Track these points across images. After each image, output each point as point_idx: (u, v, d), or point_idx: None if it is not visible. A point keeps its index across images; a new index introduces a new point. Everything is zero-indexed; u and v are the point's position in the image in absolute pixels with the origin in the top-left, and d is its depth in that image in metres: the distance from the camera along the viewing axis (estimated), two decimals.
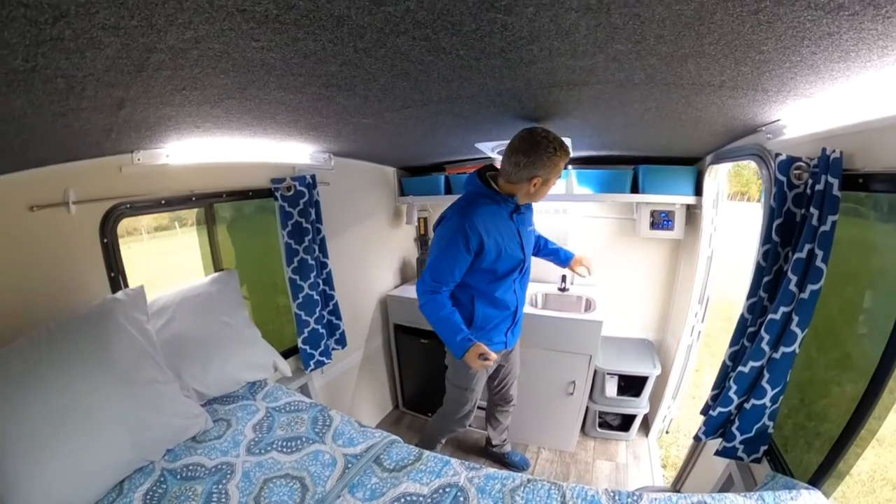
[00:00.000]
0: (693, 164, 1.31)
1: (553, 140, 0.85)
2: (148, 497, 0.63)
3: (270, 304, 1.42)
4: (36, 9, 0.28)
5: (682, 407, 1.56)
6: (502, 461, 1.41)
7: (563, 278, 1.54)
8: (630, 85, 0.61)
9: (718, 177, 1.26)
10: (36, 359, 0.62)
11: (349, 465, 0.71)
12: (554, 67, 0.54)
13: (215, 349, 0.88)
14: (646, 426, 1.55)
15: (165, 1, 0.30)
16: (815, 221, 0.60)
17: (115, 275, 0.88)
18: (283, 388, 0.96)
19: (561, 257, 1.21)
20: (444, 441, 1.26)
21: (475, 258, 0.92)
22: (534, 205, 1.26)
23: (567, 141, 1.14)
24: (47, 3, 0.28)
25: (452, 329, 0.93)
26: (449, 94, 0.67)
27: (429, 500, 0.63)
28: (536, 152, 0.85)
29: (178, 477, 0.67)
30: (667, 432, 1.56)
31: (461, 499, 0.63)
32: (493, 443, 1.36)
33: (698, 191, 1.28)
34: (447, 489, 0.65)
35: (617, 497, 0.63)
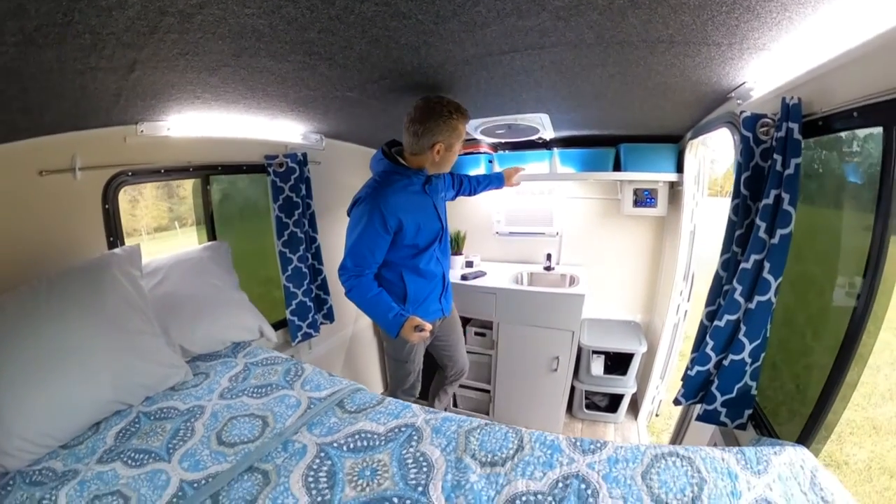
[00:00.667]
0: (675, 143, 1.40)
1: (448, 104, 0.90)
2: (120, 434, 0.70)
3: (265, 297, 1.51)
4: None
5: (671, 388, 1.61)
6: None
7: (549, 257, 1.63)
8: (584, 46, 0.68)
9: (699, 154, 1.35)
10: (34, 303, 0.70)
11: (311, 406, 0.78)
12: (507, 30, 0.62)
13: (203, 309, 0.98)
14: (634, 409, 1.60)
15: None
16: (779, 167, 0.63)
17: (114, 239, 0.99)
18: (264, 347, 1.05)
19: (496, 183, 1.33)
20: None
21: (395, 236, 0.96)
22: (515, 188, 1.34)
23: (543, 118, 1.24)
24: None
25: (383, 308, 0.96)
26: (419, 63, 0.77)
27: (383, 438, 0.68)
28: (432, 118, 0.90)
29: (151, 418, 0.74)
30: (656, 415, 1.60)
31: (415, 437, 0.67)
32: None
33: (680, 168, 1.37)
34: (403, 428, 0.69)
35: (579, 444, 0.64)
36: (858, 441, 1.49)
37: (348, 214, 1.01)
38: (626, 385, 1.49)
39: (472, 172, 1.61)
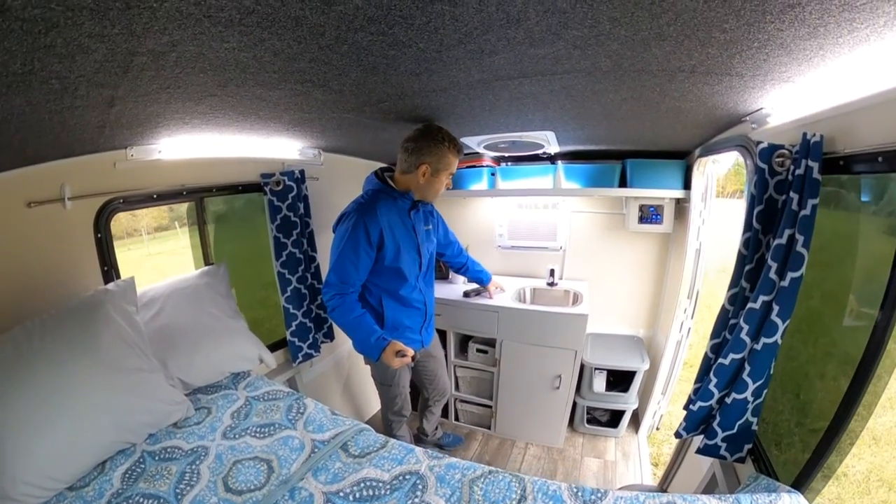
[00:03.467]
0: (682, 159, 1.33)
1: (445, 132, 0.92)
2: (126, 475, 0.69)
3: (259, 302, 1.48)
4: (31, 22, 0.34)
5: (673, 404, 1.58)
6: (438, 446, 1.46)
7: (552, 272, 1.58)
8: (598, 73, 0.63)
9: (707, 170, 1.28)
10: (28, 346, 0.68)
11: (316, 450, 0.76)
12: (518, 57, 0.57)
13: (201, 340, 0.94)
14: (636, 423, 1.57)
15: (141, 12, 0.36)
16: (794, 206, 0.60)
17: (109, 269, 0.95)
18: (264, 379, 1.02)
19: (483, 277, 1.39)
20: (399, 433, 1.28)
21: (377, 254, 0.95)
22: (521, 201, 1.28)
23: (549, 134, 1.17)
24: (40, 16, 0.33)
25: (366, 331, 0.94)
26: (421, 88, 0.71)
27: (388, 487, 0.66)
28: (425, 139, 0.92)
29: (156, 458, 0.72)
30: (657, 429, 1.58)
31: (420, 486, 0.65)
32: (428, 433, 1.41)
33: (687, 185, 1.31)
34: (407, 476, 0.68)
35: (580, 493, 0.63)
36: (857, 452, 1.46)
37: (333, 231, 1.00)
38: (627, 401, 1.46)
39: (474, 186, 1.55)
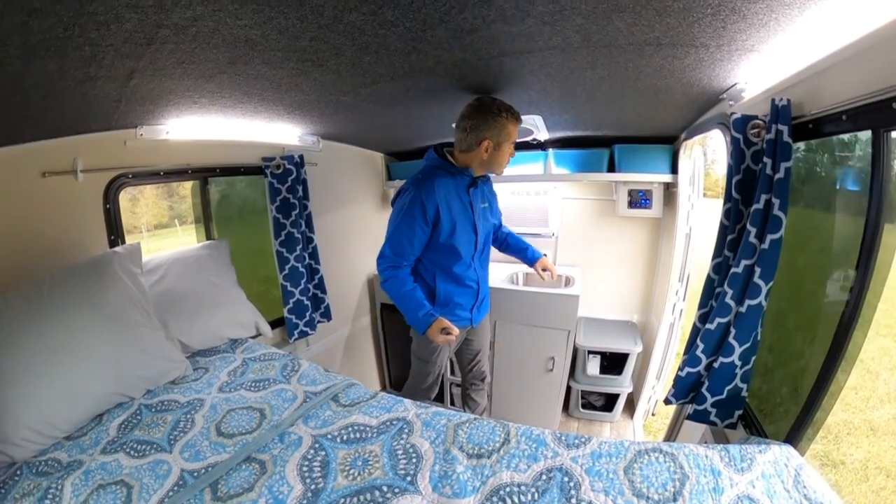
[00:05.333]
0: (670, 144, 1.41)
1: (499, 103, 0.93)
2: (123, 425, 0.73)
3: (263, 295, 1.54)
4: None
5: (668, 388, 1.62)
6: None
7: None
8: (571, 49, 0.68)
9: (693, 154, 1.36)
10: (37, 298, 0.74)
11: (307, 400, 0.81)
12: (494, 35, 0.64)
13: (202, 305, 1.01)
14: (631, 408, 1.62)
15: None
16: (769, 170, 0.63)
17: (115, 238, 1.03)
18: (261, 344, 1.08)
19: (528, 256, 1.28)
20: None
21: (432, 230, 0.98)
22: (513, 188, 1.31)
23: (537, 119, 1.24)
24: None
25: (415, 305, 0.98)
26: (410, 67, 0.80)
27: (374, 430, 0.70)
28: (481, 114, 0.93)
29: (153, 410, 0.77)
30: (653, 414, 1.62)
31: (406, 430, 0.70)
32: None
33: (675, 169, 1.38)
34: (394, 422, 0.72)
35: (564, 438, 0.65)
36: (855, 441, 1.50)
37: (392, 205, 1.03)
38: (621, 385, 1.51)
39: None
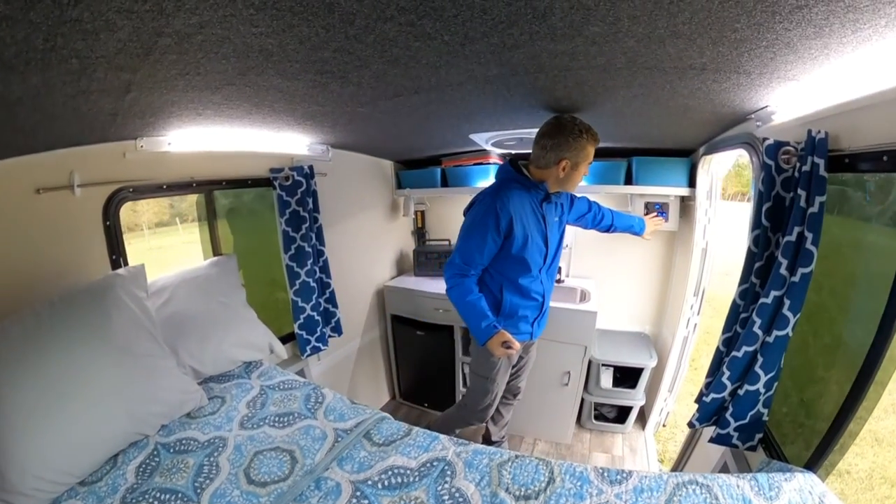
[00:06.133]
0: (687, 157, 1.34)
1: (579, 124, 0.90)
2: (141, 469, 0.66)
3: (269, 298, 1.46)
4: None
5: (680, 400, 1.58)
6: None
7: (559, 270, 1.58)
8: (612, 69, 0.64)
9: (712, 168, 1.29)
10: (37, 328, 0.66)
11: (339, 439, 0.75)
12: (536, 52, 0.57)
13: (212, 328, 0.93)
14: (643, 419, 1.57)
15: None
16: (802, 203, 0.61)
17: (117, 257, 0.93)
18: (277, 368, 1.00)
19: (637, 231, 1.24)
20: (458, 432, 1.27)
21: (504, 242, 0.95)
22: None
23: None
24: None
25: (478, 315, 0.94)
26: (438, 82, 0.71)
27: (416, 473, 0.66)
28: (562, 134, 0.90)
29: (171, 451, 0.70)
30: (664, 426, 1.58)
31: (448, 472, 0.65)
32: (493, 439, 1.36)
33: (692, 183, 1.31)
34: (435, 463, 0.68)
35: (606, 474, 0.64)
36: (861, 451, 1.49)
37: (464, 215, 1.00)
38: (634, 398, 1.46)
39: (482, 183, 1.55)
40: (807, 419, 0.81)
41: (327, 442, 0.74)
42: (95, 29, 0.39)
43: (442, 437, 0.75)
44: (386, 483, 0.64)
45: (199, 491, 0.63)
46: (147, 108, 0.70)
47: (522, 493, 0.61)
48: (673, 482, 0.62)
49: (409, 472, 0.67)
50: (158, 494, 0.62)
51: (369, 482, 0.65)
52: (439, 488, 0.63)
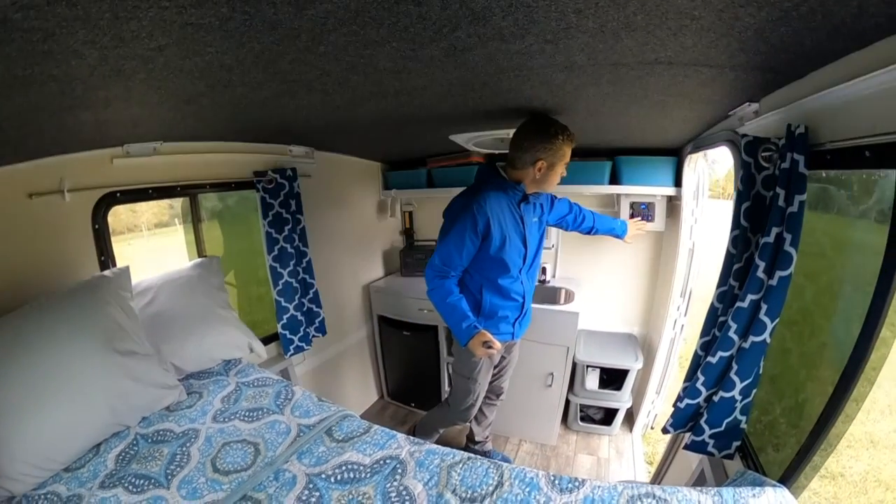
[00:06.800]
0: (675, 155, 1.34)
1: (555, 124, 0.91)
2: (120, 457, 0.72)
3: (260, 297, 1.53)
4: (30, 31, 0.38)
5: (668, 402, 1.59)
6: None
7: (544, 270, 1.60)
8: (575, 67, 0.64)
9: (698, 167, 1.29)
10: (25, 327, 0.71)
11: (301, 434, 0.79)
12: (491, 53, 0.58)
13: (193, 326, 0.99)
14: (630, 422, 1.59)
15: (128, 21, 0.40)
16: (781, 202, 0.59)
17: (105, 259, 1.00)
18: (254, 367, 1.06)
19: (619, 234, 1.26)
20: (441, 431, 1.31)
21: (482, 243, 0.97)
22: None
23: None
24: (38, 27, 0.38)
25: (459, 316, 0.97)
26: (403, 86, 0.75)
27: (368, 470, 0.69)
28: (538, 135, 0.91)
29: (149, 440, 0.76)
30: (651, 428, 1.60)
31: (399, 470, 0.68)
32: (476, 439, 1.39)
33: (678, 182, 1.32)
34: (388, 460, 0.71)
35: (557, 482, 0.64)
36: (855, 454, 1.47)
37: (443, 216, 1.03)
38: (620, 399, 1.48)
39: (467, 184, 1.58)
40: (787, 427, 0.79)
41: (290, 436, 0.79)
42: (66, 58, 0.45)
43: (399, 435, 0.77)
44: (339, 477, 0.68)
45: (169, 477, 0.68)
46: (129, 118, 0.77)
47: (468, 496, 0.63)
48: (627, 494, 0.60)
49: (362, 468, 0.70)
50: (134, 479, 0.68)
51: (323, 476, 0.68)
52: (388, 486, 0.66)
